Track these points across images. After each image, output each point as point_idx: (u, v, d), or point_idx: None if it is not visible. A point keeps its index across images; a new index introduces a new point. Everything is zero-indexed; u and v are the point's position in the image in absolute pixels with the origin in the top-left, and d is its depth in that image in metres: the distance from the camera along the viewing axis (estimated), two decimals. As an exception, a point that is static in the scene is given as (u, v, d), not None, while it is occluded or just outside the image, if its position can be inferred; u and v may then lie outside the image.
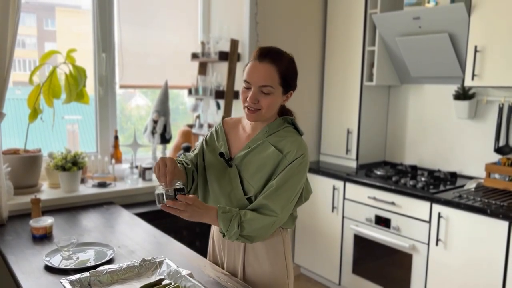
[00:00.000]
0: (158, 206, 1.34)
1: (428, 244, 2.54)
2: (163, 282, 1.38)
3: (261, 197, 1.39)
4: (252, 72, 1.39)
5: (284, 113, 1.53)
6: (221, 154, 1.49)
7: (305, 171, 1.43)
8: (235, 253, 1.53)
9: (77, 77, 2.49)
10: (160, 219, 2.43)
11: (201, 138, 3.22)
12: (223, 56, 2.90)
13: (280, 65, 1.39)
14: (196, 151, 1.60)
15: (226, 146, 1.52)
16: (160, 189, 1.34)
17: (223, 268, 1.58)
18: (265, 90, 1.38)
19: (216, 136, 1.57)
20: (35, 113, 2.44)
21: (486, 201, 2.35)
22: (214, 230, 1.62)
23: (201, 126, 3.16)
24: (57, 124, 2.62)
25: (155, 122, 2.93)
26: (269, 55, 1.39)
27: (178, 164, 1.51)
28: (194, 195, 1.38)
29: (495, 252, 2.24)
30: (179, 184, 1.33)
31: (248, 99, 1.39)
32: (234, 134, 1.56)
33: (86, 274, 1.39)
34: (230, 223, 1.35)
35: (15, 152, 2.41)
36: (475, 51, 2.52)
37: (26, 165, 2.38)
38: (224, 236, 1.39)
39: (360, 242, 2.92)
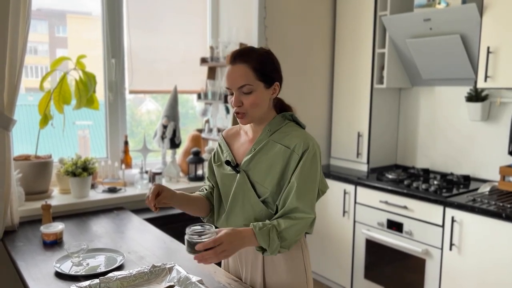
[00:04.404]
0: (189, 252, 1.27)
1: (442, 249, 2.49)
2: (173, 289, 1.37)
3: (289, 200, 1.36)
4: (228, 77, 1.41)
5: (283, 109, 1.52)
6: (227, 162, 1.49)
7: (319, 161, 1.42)
8: (252, 265, 1.50)
9: (87, 83, 2.51)
10: (169, 224, 2.42)
11: (210, 143, 3.24)
12: (232, 60, 2.89)
13: (251, 61, 1.39)
14: (207, 174, 1.62)
15: (231, 154, 1.52)
16: (192, 237, 1.25)
17: (241, 280, 1.57)
18: (244, 90, 1.38)
19: (220, 150, 1.58)
20: (45, 119, 2.46)
21: (501, 205, 2.30)
22: None
23: (210, 130, 3.15)
24: (68, 130, 2.64)
25: (164, 127, 2.93)
26: (239, 55, 1.41)
27: (203, 192, 1.60)
28: (222, 232, 1.29)
29: (510, 257, 2.19)
30: (208, 231, 1.26)
31: (232, 103, 1.41)
32: (236, 141, 1.56)
33: (96, 280, 1.38)
34: (269, 238, 1.31)
35: (26, 158, 2.43)
36: (488, 52, 2.48)
37: (37, 171, 2.40)
38: (263, 253, 1.34)
39: (372, 246, 2.89)
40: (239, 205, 1.46)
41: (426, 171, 3.11)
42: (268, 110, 1.46)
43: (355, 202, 2.98)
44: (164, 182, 2.86)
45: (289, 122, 1.48)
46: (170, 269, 1.50)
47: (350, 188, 3.00)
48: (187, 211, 1.56)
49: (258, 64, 1.40)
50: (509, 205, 2.28)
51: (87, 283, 1.37)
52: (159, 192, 1.42)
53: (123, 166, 2.81)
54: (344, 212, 3.05)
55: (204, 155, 3.04)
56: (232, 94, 1.42)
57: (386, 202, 2.76)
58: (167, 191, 1.44)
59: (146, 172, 2.81)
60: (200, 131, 3.26)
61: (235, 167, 1.47)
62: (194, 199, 1.56)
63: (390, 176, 2.95)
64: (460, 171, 3.03)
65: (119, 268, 1.64)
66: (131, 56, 2.92)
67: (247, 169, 1.44)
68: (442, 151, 3.15)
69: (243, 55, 1.41)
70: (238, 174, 1.45)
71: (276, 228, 1.33)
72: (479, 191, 2.60)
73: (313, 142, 1.41)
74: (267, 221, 1.36)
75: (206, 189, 1.61)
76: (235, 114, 1.42)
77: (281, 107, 1.52)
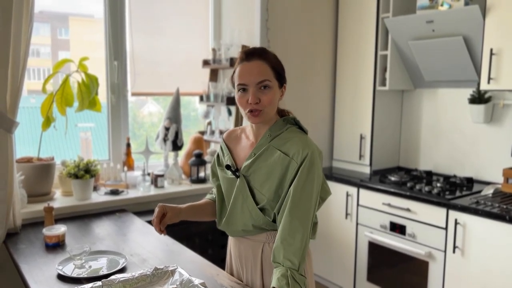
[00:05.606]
0: None
1: (445, 251, 2.48)
2: (176, 292, 1.37)
3: (285, 213, 1.33)
4: (245, 73, 1.37)
5: (282, 113, 1.50)
6: (228, 167, 1.47)
7: (317, 169, 1.36)
8: (252, 267, 1.50)
9: (89, 85, 2.51)
10: (172, 227, 2.40)
11: (212, 145, 3.23)
12: (234, 62, 2.89)
13: (269, 59, 1.39)
14: (211, 177, 1.61)
15: (231, 158, 1.50)
16: None
17: (241, 281, 1.56)
18: (264, 84, 1.36)
19: (222, 153, 1.57)
20: (48, 121, 2.46)
21: (504, 207, 2.29)
22: (231, 244, 1.59)
23: (212, 132, 3.15)
24: (70, 132, 2.64)
25: (166, 129, 2.93)
26: (255, 53, 1.40)
27: (212, 195, 1.61)
28: None
29: (515, 260, 2.18)
30: None
31: (249, 100, 1.35)
32: (237, 145, 1.53)
33: (99, 283, 1.38)
34: (295, 281, 1.27)
35: (28, 160, 2.43)
36: (491, 54, 2.48)
37: (39, 173, 2.40)
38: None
39: (375, 249, 2.88)
40: (238, 210, 1.45)
41: (429, 173, 3.10)
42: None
43: (358, 205, 2.97)
44: (166, 184, 2.86)
45: (291, 127, 1.45)
46: (173, 272, 1.50)
47: (352, 190, 3.00)
48: (199, 220, 1.57)
49: (274, 63, 1.40)
50: (512, 208, 2.27)
51: (89, 285, 1.36)
52: (164, 213, 1.43)
53: (125, 168, 2.81)
54: (346, 214, 3.04)
55: (206, 157, 3.03)
56: (244, 90, 1.38)
57: (388, 205, 2.75)
58: (172, 211, 1.45)
59: (148, 174, 2.81)
60: (202, 133, 3.25)
61: (235, 171, 1.46)
62: (203, 207, 1.57)
63: (392, 178, 2.95)
64: (463, 173, 3.02)
65: (122, 270, 1.63)
66: (133, 58, 2.92)
67: (246, 174, 1.43)
68: (445, 153, 3.14)
69: (261, 53, 1.40)
70: (238, 179, 1.44)
71: (293, 268, 1.28)
72: (483, 193, 2.59)
73: (312, 150, 1.36)
74: (282, 269, 1.28)
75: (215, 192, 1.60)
76: (248, 113, 1.38)
77: (279, 112, 1.49)
